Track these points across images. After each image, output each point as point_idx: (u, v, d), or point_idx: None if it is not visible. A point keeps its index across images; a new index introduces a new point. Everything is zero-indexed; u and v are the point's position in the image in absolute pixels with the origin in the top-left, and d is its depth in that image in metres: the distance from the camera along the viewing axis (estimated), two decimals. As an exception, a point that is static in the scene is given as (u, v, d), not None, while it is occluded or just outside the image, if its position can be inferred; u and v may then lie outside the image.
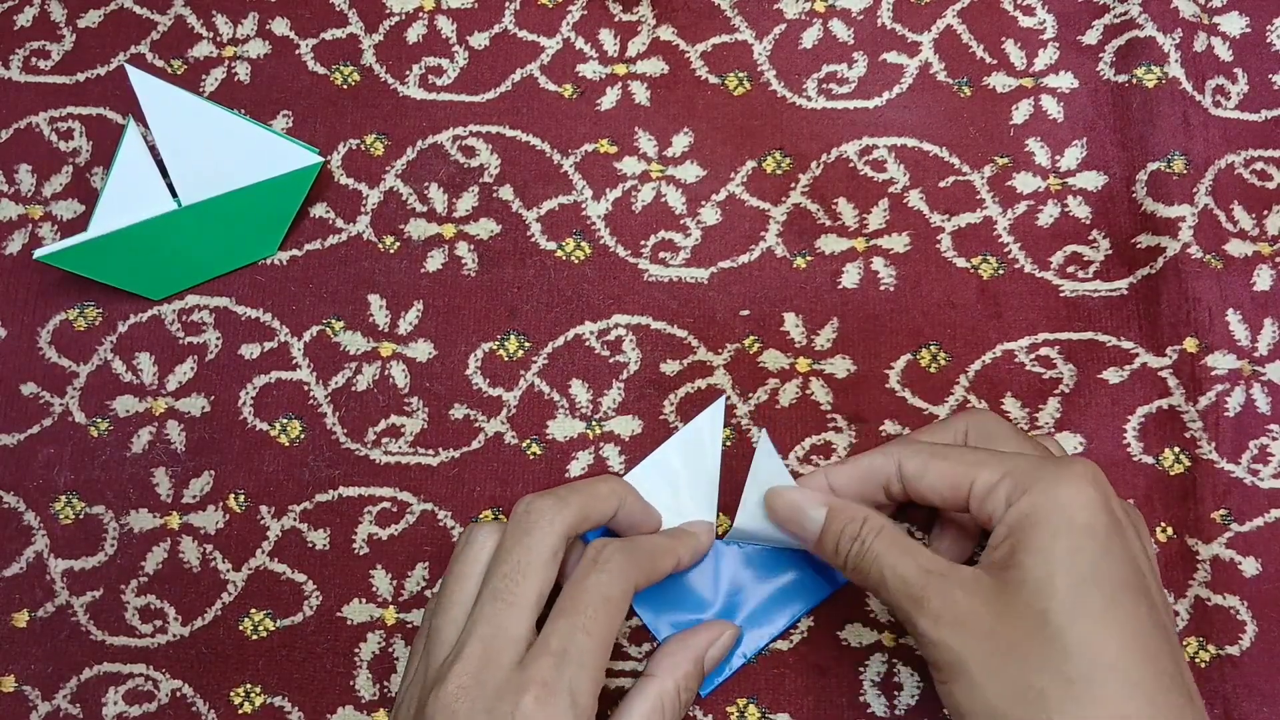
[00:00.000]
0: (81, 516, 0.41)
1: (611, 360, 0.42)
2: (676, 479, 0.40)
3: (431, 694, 0.32)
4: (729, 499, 0.40)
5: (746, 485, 0.37)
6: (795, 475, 0.39)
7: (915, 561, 0.33)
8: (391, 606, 0.40)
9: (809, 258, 0.43)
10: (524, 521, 0.34)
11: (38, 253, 0.41)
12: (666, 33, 0.45)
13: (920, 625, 0.32)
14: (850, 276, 0.43)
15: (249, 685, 0.40)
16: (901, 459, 0.35)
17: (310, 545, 0.41)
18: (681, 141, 0.44)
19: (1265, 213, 0.43)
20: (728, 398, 0.41)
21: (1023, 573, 0.31)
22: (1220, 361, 0.41)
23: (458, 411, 0.42)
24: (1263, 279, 0.42)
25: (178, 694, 0.40)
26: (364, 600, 0.40)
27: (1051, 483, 0.31)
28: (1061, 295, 0.42)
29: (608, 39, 0.45)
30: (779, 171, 0.44)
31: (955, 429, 0.37)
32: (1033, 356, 0.42)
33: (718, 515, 0.39)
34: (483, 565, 0.34)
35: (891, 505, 0.37)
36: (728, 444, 0.41)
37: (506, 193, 0.44)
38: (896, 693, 0.38)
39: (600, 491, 0.36)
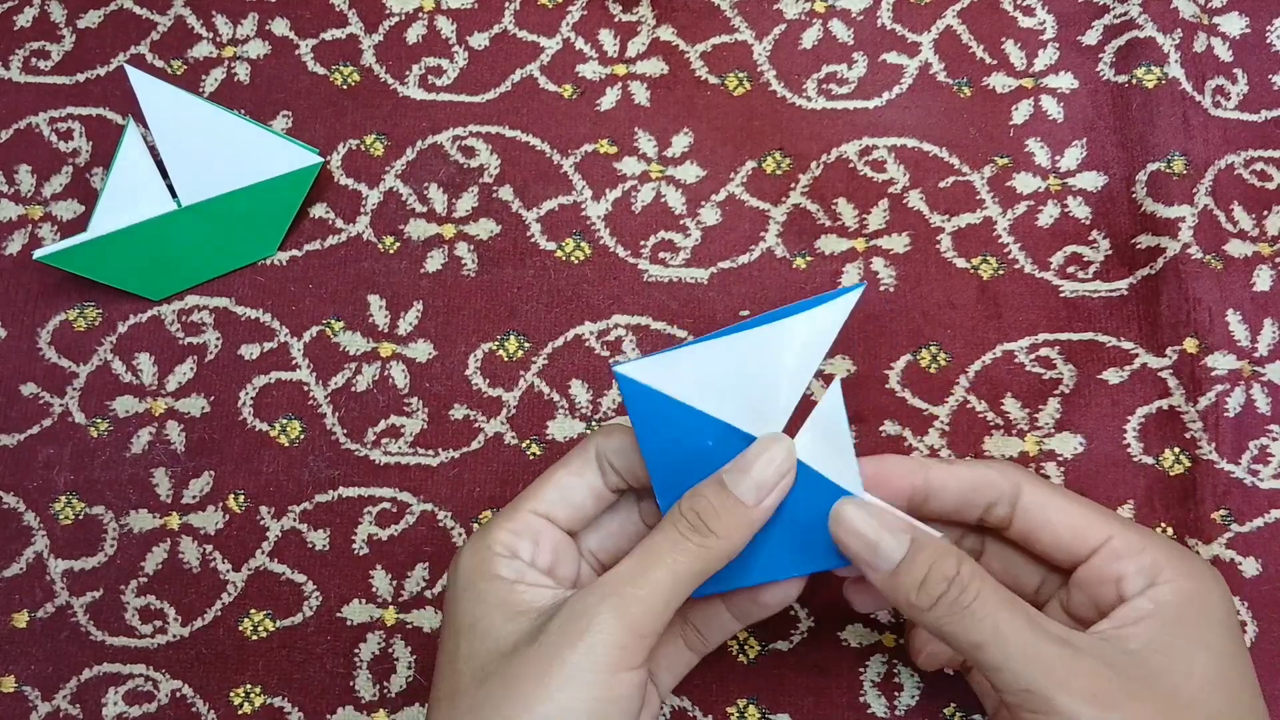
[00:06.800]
0: (81, 517, 0.41)
1: (611, 360, 0.42)
2: (753, 375, 0.32)
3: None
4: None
5: (802, 430, 0.32)
6: (865, 455, 0.34)
7: (1031, 623, 0.29)
8: (391, 607, 0.40)
9: (809, 258, 0.43)
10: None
11: (37, 253, 0.41)
12: (666, 33, 0.45)
13: (1055, 701, 0.28)
14: (850, 277, 0.42)
15: (249, 686, 0.40)
16: (1023, 484, 0.32)
17: (310, 545, 0.41)
18: (681, 142, 0.44)
19: (1265, 213, 0.43)
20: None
21: (1169, 658, 0.29)
22: (1220, 362, 0.41)
23: (458, 412, 0.42)
24: (1262, 279, 0.42)
25: (178, 694, 0.40)
26: (364, 601, 0.40)
27: (1200, 576, 0.31)
28: (1061, 295, 0.42)
29: (608, 39, 0.45)
30: (779, 172, 0.44)
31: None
32: (1033, 357, 0.42)
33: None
34: None
35: (960, 532, 0.35)
36: None
37: (506, 193, 0.44)
38: (896, 693, 0.38)
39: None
